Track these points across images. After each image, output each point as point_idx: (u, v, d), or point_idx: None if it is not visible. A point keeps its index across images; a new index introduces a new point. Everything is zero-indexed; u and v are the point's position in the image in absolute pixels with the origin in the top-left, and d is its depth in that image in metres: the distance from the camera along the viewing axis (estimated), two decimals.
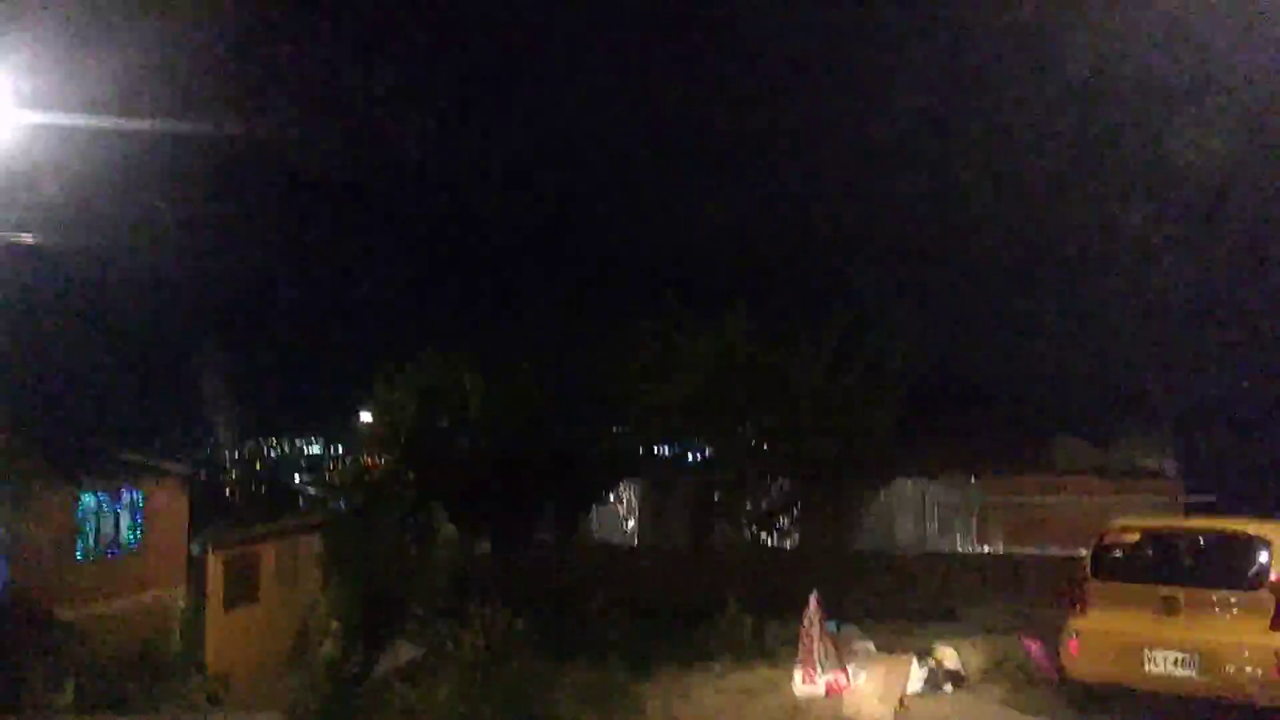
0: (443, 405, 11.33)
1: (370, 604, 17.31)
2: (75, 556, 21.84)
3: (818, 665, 10.66)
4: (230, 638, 27.19)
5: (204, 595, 27.03)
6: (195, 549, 26.65)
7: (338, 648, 18.49)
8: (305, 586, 31.83)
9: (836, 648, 11.00)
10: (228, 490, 28.41)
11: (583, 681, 13.05)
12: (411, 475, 11.65)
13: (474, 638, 13.28)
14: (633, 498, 20.27)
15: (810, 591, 11.42)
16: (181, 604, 25.82)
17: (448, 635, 13.33)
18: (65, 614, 21.27)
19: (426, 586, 13.81)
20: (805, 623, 11.12)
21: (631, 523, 20.71)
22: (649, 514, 20.31)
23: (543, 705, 12.40)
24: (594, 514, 19.86)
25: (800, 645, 11.08)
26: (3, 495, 17.87)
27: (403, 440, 11.43)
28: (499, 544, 13.50)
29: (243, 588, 28.82)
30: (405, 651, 14.81)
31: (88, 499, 22.32)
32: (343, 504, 22.67)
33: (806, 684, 10.75)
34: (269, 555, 29.71)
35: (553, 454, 12.45)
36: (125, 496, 23.37)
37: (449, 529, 14.55)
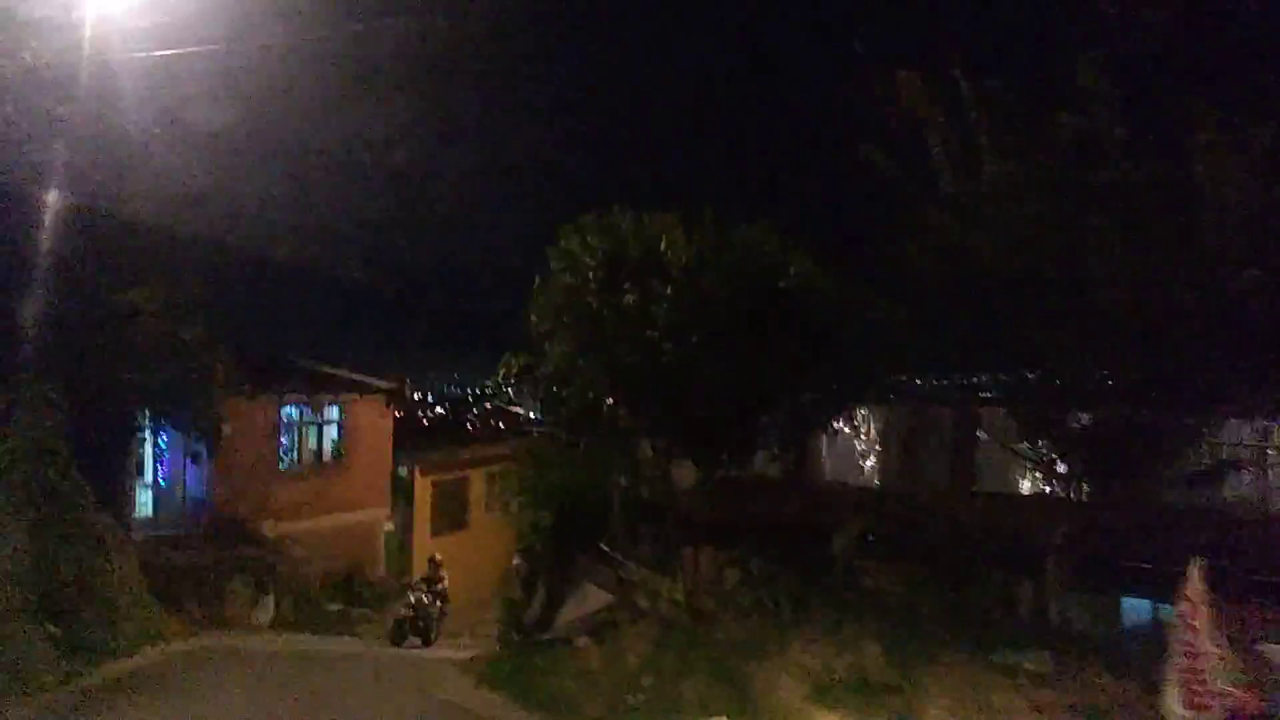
0: (635, 273, 8.45)
1: (556, 540, 14.85)
2: (278, 468, 20.88)
3: (1211, 679, 6.79)
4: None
5: (411, 519, 26.16)
6: (402, 470, 25.57)
7: (518, 589, 16.20)
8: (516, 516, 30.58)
9: (1236, 653, 7.03)
10: (421, 416, 27.34)
11: (823, 663, 9.36)
12: (587, 367, 8.88)
13: (673, 591, 10.40)
14: (873, 430, 16.55)
15: (1186, 563, 7.21)
16: (387, 527, 24.82)
17: (641, 584, 10.52)
18: (268, 531, 20.42)
19: (620, 522, 11.18)
20: (1183, 611, 7.15)
21: (871, 460, 16.90)
22: (896, 449, 16.51)
23: (765, 691, 9.10)
24: (824, 447, 16.32)
25: (1175, 644, 7.17)
26: (204, 406, 16.73)
27: (579, 321, 8.72)
28: (706, 472, 10.60)
29: (451, 514, 27.84)
30: (595, 597, 12.37)
31: (289, 412, 21.31)
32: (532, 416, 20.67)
33: (1191, 710, 6.86)
34: (478, 481, 28.55)
35: (789, 348, 8.90)
36: (327, 411, 22.28)
37: (645, 449, 11.73)
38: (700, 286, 7.90)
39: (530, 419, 29.39)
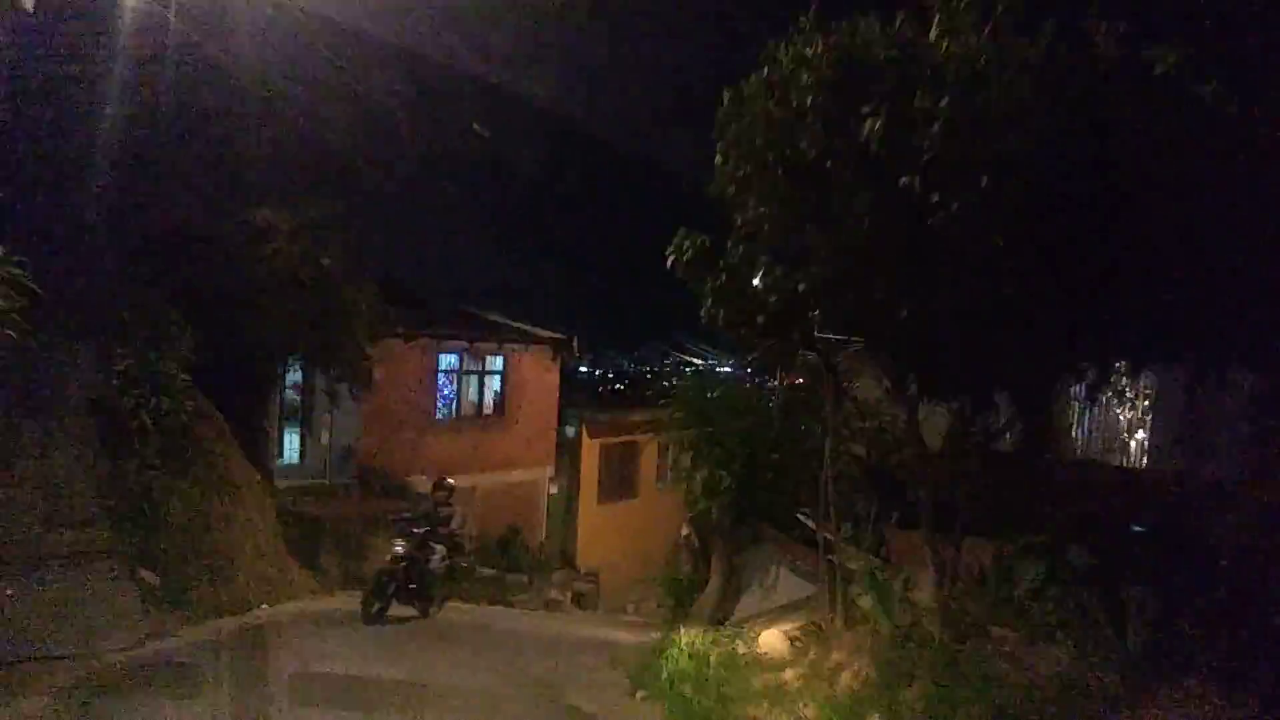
0: (882, 92, 5.48)
1: (738, 508, 12.04)
2: (433, 420, 19.11)
3: None
4: (602, 533, 24.07)
5: (577, 482, 24.16)
6: (568, 430, 23.49)
7: (686, 566, 13.52)
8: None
9: None
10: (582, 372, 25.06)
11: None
12: (796, 245, 5.91)
13: (915, 590, 7.14)
14: (1143, 397, 12.76)
15: None
16: (551, 489, 22.80)
17: (861, 576, 7.51)
18: (419, 486, 18.68)
19: (832, 489, 8.02)
20: None
21: (1141, 434, 13.09)
22: (1174, 422, 12.58)
23: None
24: (1074, 413, 12.75)
25: None
26: (349, 345, 14.98)
27: (789, 175, 5.80)
28: (963, 425, 7.41)
29: (619, 480, 25.74)
30: (788, 586, 9.55)
31: (447, 359, 19.49)
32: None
33: None
34: (650, 447, 26.24)
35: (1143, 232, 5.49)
36: (489, 361, 20.35)
37: (867, 384, 8.43)
38: (997, 100, 4.90)
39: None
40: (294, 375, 17.36)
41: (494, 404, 20.63)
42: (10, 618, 8.41)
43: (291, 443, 17.83)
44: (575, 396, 23.02)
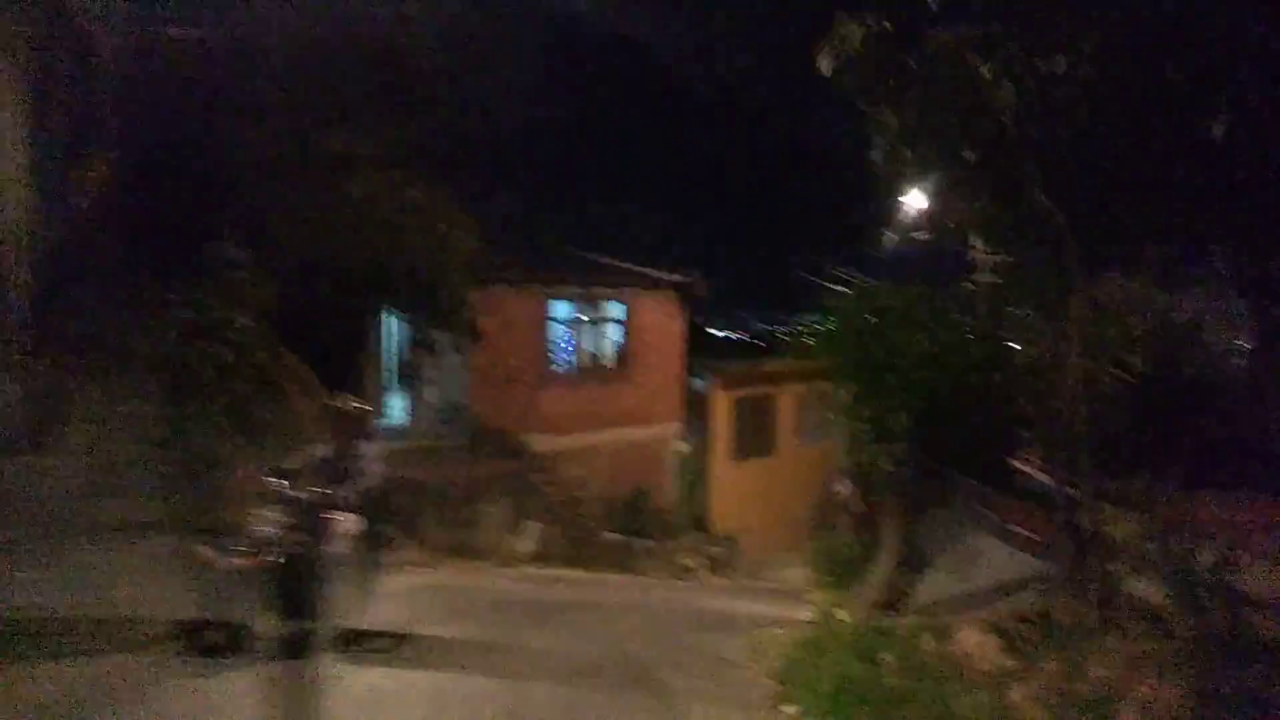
0: None
1: (916, 457, 9.61)
2: (547, 373, 17.36)
3: None
4: (738, 495, 22.00)
5: (709, 439, 22.13)
6: (697, 383, 21.43)
7: (846, 532, 11.30)
8: (837, 442, 25.70)
9: None
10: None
11: None
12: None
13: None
14: None
15: None
16: (679, 447, 20.83)
17: (1128, 547, 5.18)
18: (537, 446, 17.03)
19: (1077, 422, 5.63)
20: None
21: None
22: None
23: None
24: None
25: None
26: (449, 290, 13.33)
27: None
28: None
29: (755, 436, 23.57)
30: (997, 560, 7.25)
31: (560, 307, 17.68)
32: None
33: None
34: (788, 400, 23.98)
35: None
36: (606, 308, 18.45)
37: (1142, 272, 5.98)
38: None
39: None
40: (409, 327, 15.87)
41: (614, 356, 18.74)
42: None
43: (397, 404, 16.39)
44: (703, 346, 20.84)
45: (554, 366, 17.68)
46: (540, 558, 15.59)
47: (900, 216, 15.49)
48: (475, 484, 14.90)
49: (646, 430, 19.13)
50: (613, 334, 18.74)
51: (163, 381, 9.35)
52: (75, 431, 9.34)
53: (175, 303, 9.77)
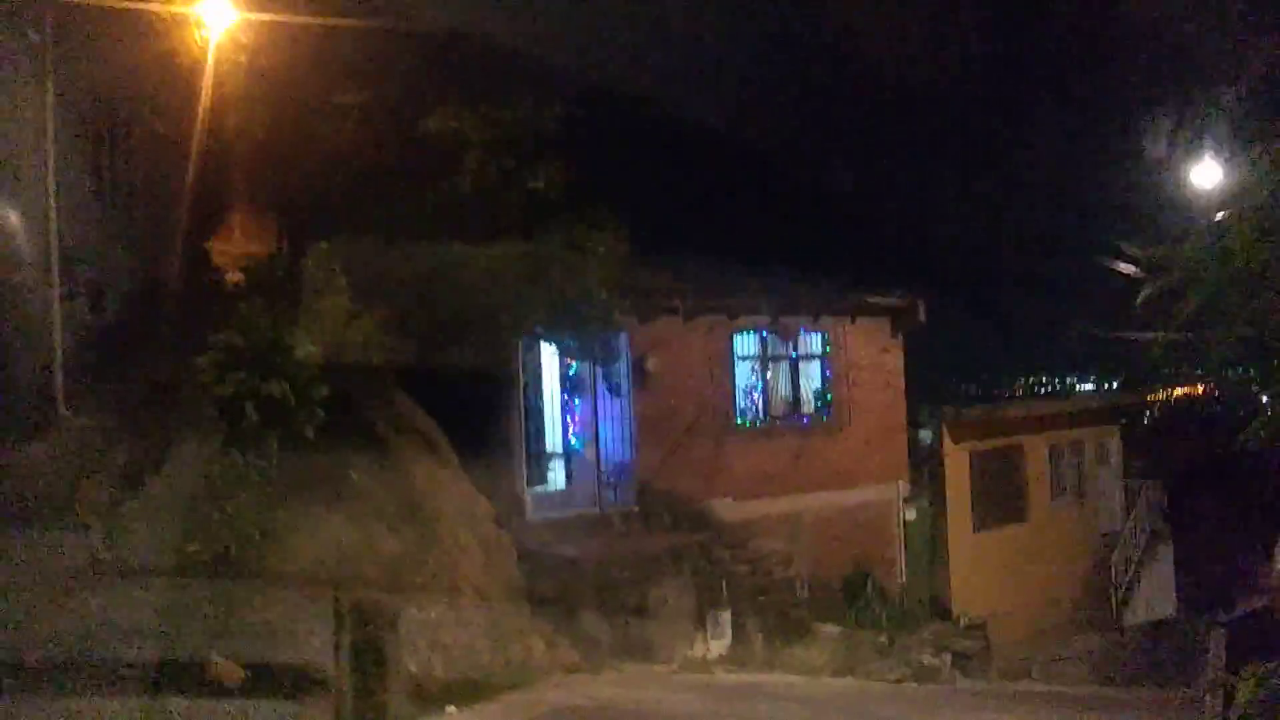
0: None
1: None
2: (732, 424, 14.11)
3: None
4: (982, 572, 17.70)
5: (943, 503, 18.03)
6: (923, 434, 17.49)
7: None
8: (1098, 503, 20.66)
9: None
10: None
11: None
12: None
13: None
14: None
15: None
16: (907, 514, 16.86)
17: None
18: (722, 513, 13.74)
19: None
20: None
21: None
22: None
23: None
24: None
25: None
26: (595, 317, 10.58)
27: None
28: None
29: (1000, 497, 19.20)
30: None
31: (745, 342, 14.48)
32: None
33: None
34: (1038, 450, 19.50)
35: None
36: (804, 340, 15.06)
37: None
38: None
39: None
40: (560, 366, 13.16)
41: (815, 399, 15.24)
42: None
43: (554, 465, 13.58)
44: (927, 384, 16.96)
45: (741, 416, 14.40)
46: (733, 659, 12.17)
47: None
48: (647, 562, 11.75)
49: (862, 492, 15.39)
50: (812, 373, 15.27)
51: (180, 419, 6.93)
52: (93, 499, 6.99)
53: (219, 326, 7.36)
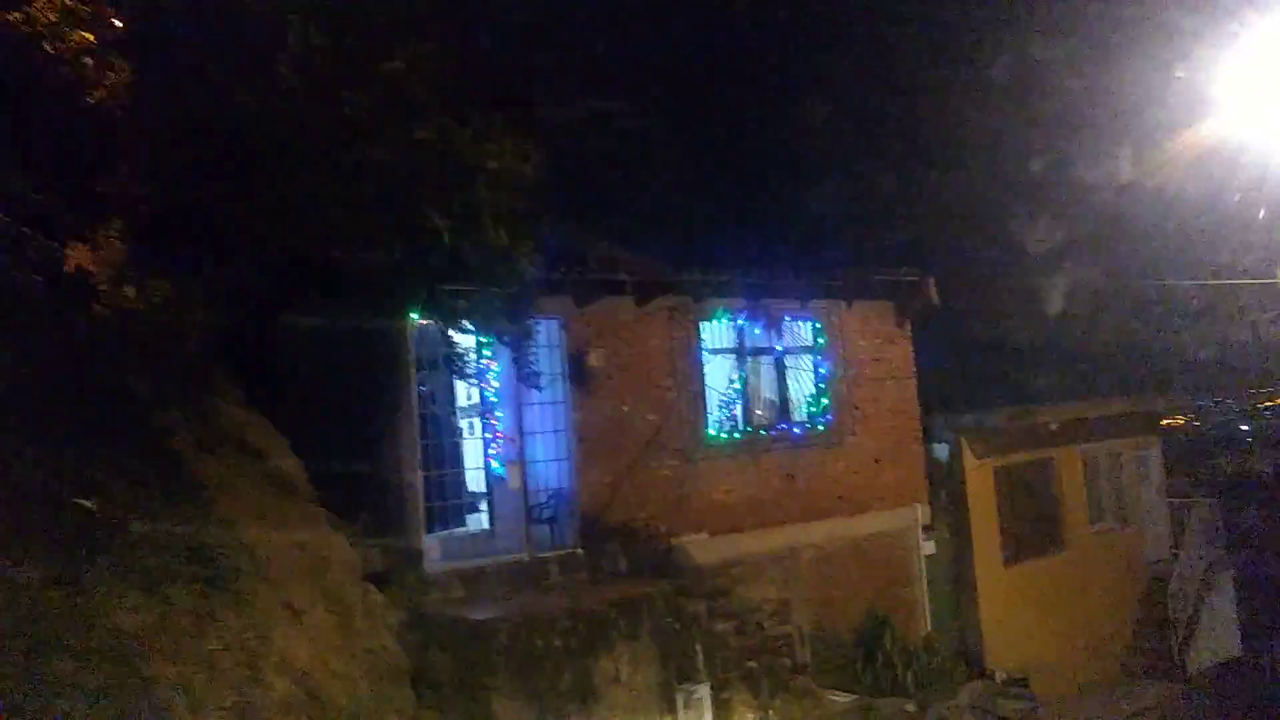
0: None
1: None
2: (702, 437, 10.93)
3: None
4: (1016, 614, 14.47)
5: (967, 531, 14.83)
6: (939, 448, 14.39)
7: None
8: (1143, 527, 17.37)
9: None
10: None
11: None
12: None
13: None
14: None
15: None
16: (926, 548, 13.67)
17: None
18: (696, 554, 10.53)
19: None
20: None
21: None
22: None
23: None
24: None
25: None
26: (515, 297, 7.51)
27: None
28: None
29: (1033, 524, 16.02)
30: None
31: (716, 330, 11.37)
32: None
33: None
34: (1072, 464, 16.34)
35: None
36: (790, 331, 11.97)
37: None
38: None
39: None
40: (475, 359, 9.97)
41: (808, 405, 12.11)
42: None
43: (471, 499, 10.33)
44: (937, 388, 13.87)
45: (715, 428, 11.24)
46: None
47: None
48: (591, 623, 8.49)
49: (873, 520, 12.23)
50: (804, 372, 12.16)
51: None
52: None
53: None
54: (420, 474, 9.03)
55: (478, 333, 8.36)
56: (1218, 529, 17.97)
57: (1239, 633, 17.52)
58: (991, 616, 14.13)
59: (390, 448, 8.89)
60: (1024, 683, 13.42)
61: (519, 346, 8.00)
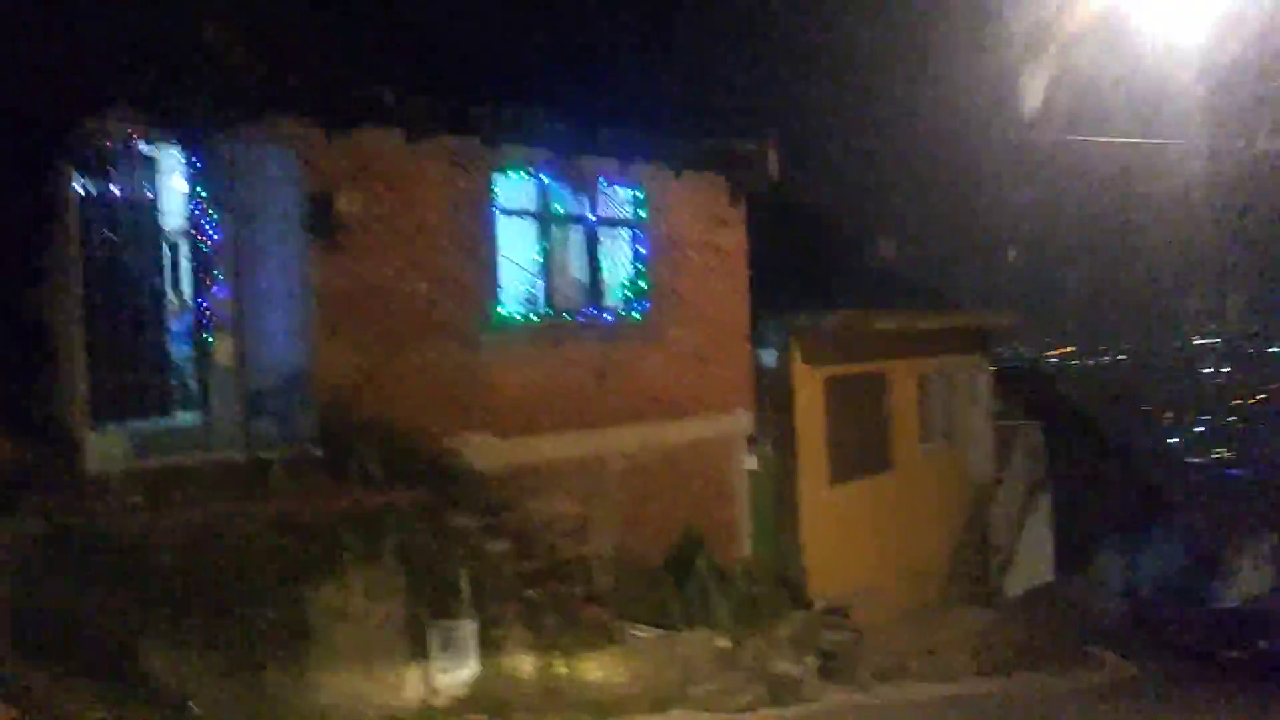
0: None
1: None
2: (488, 320, 8.82)
3: None
4: (843, 538, 13.37)
5: (793, 447, 13.48)
6: (767, 353, 12.89)
7: None
8: (970, 449, 16.63)
9: None
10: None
11: None
12: None
13: None
14: None
15: None
16: (748, 462, 12.20)
17: None
18: (477, 458, 8.49)
19: None
20: None
21: None
22: None
23: None
24: None
25: None
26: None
27: None
28: None
29: (863, 441, 14.94)
30: None
31: (516, 188, 9.19)
32: None
33: None
34: (905, 380, 15.25)
35: None
36: (605, 198, 9.95)
37: None
38: None
39: None
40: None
41: (625, 289, 10.19)
42: None
43: (179, 378, 7.87)
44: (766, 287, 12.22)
45: (508, 307, 9.15)
46: (480, 698, 6.99)
47: None
48: (313, 539, 6.34)
49: (693, 426, 10.56)
50: (621, 248, 10.21)
51: None
52: None
53: None
54: (82, 341, 6.54)
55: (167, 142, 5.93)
56: (1039, 453, 17.54)
57: (1053, 558, 17.22)
58: (815, 539, 12.90)
59: (35, 304, 6.35)
60: (845, 613, 12.30)
61: (212, 164, 5.63)
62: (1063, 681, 14.91)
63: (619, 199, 10.07)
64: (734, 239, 10.99)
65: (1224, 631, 20.66)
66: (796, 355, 12.88)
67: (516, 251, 9.16)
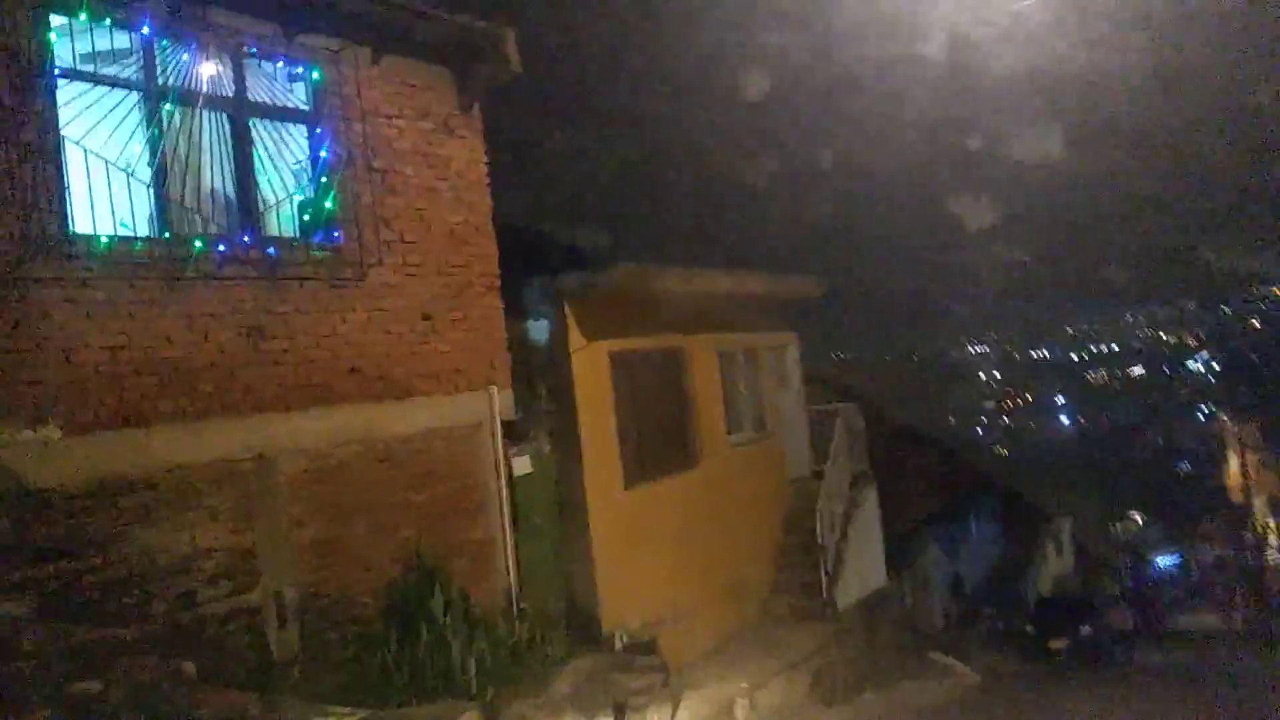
0: None
1: None
2: (66, 242, 5.40)
3: None
4: (644, 553, 10.57)
5: (576, 442, 10.49)
6: (535, 326, 10.07)
7: None
8: (784, 439, 14.18)
9: None
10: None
11: None
12: None
13: None
14: None
15: None
16: (520, 464, 9.22)
17: None
18: (25, 467, 5.04)
19: None
20: None
21: None
22: None
23: None
24: None
25: None
26: None
27: None
28: None
29: (661, 430, 12.22)
30: None
31: (90, 33, 5.83)
32: None
33: None
34: (706, 357, 12.64)
35: None
36: (268, 74, 6.76)
37: None
38: None
39: None
40: None
41: (301, 209, 7.00)
42: None
43: None
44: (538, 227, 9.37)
45: (94, 227, 5.78)
46: None
47: None
48: None
49: (418, 411, 7.45)
50: (293, 151, 7.02)
51: None
52: None
53: None
54: None
55: None
56: (860, 440, 15.53)
57: (884, 558, 15.19)
58: (609, 557, 10.10)
59: None
60: (651, 645, 9.51)
61: None
62: (912, 697, 12.81)
63: (284, 81, 6.91)
64: (467, 154, 8.05)
65: (1046, 620, 19.82)
66: (572, 325, 10.10)
67: (101, 142, 5.81)
